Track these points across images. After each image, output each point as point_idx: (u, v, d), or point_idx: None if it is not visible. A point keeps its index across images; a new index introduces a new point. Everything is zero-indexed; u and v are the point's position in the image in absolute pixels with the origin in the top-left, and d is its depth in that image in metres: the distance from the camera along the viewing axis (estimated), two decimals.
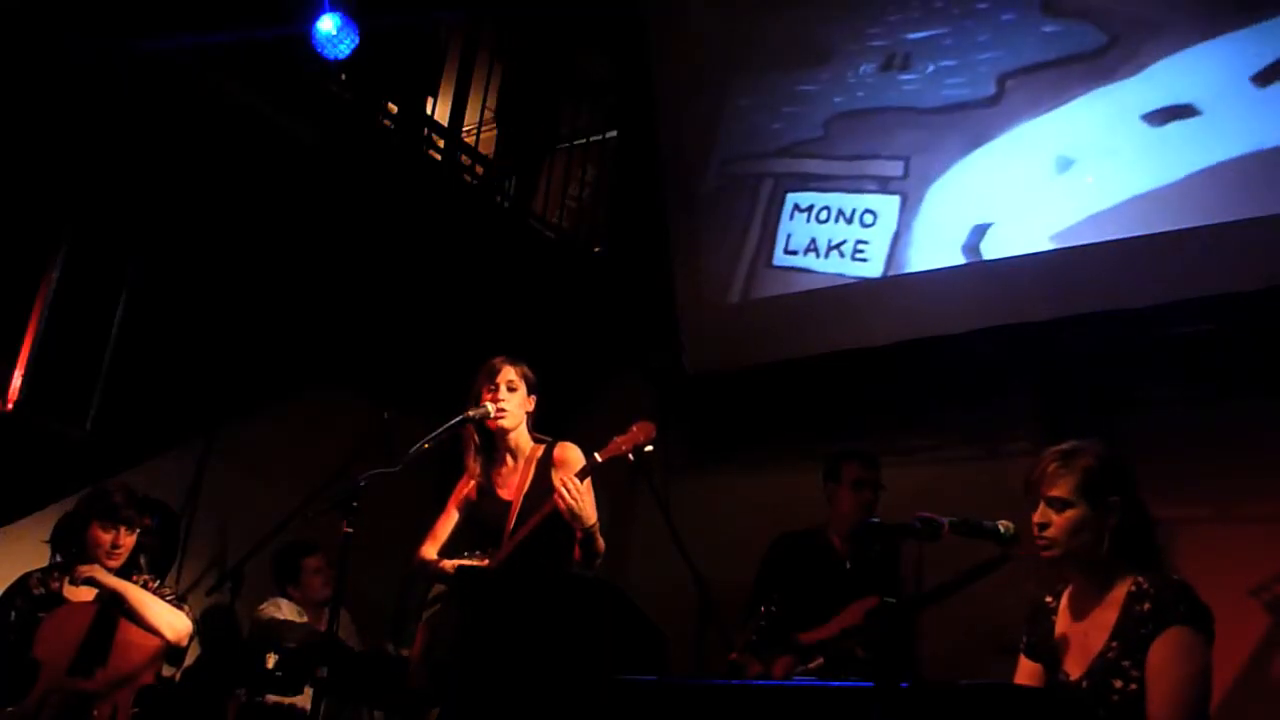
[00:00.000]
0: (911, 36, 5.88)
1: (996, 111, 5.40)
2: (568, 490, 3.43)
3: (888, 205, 5.79)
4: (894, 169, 5.84)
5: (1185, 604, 2.37)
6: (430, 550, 3.70)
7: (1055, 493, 2.50)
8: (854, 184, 5.94)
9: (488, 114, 6.56)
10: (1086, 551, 2.48)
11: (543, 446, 3.79)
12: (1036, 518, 2.52)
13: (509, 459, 3.77)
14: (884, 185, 5.82)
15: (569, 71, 6.65)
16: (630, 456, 3.54)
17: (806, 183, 6.18)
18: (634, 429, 3.58)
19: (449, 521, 3.77)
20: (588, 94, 6.86)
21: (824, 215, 6.02)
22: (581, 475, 3.49)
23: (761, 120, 6.39)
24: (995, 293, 4.95)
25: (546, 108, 6.47)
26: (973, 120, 5.49)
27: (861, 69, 6.01)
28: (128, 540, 3.82)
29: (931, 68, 5.75)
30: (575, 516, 3.45)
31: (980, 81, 5.50)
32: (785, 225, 6.19)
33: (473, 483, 3.78)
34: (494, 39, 6.38)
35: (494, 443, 3.77)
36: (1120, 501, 2.48)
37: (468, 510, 3.77)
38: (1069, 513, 2.48)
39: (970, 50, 5.67)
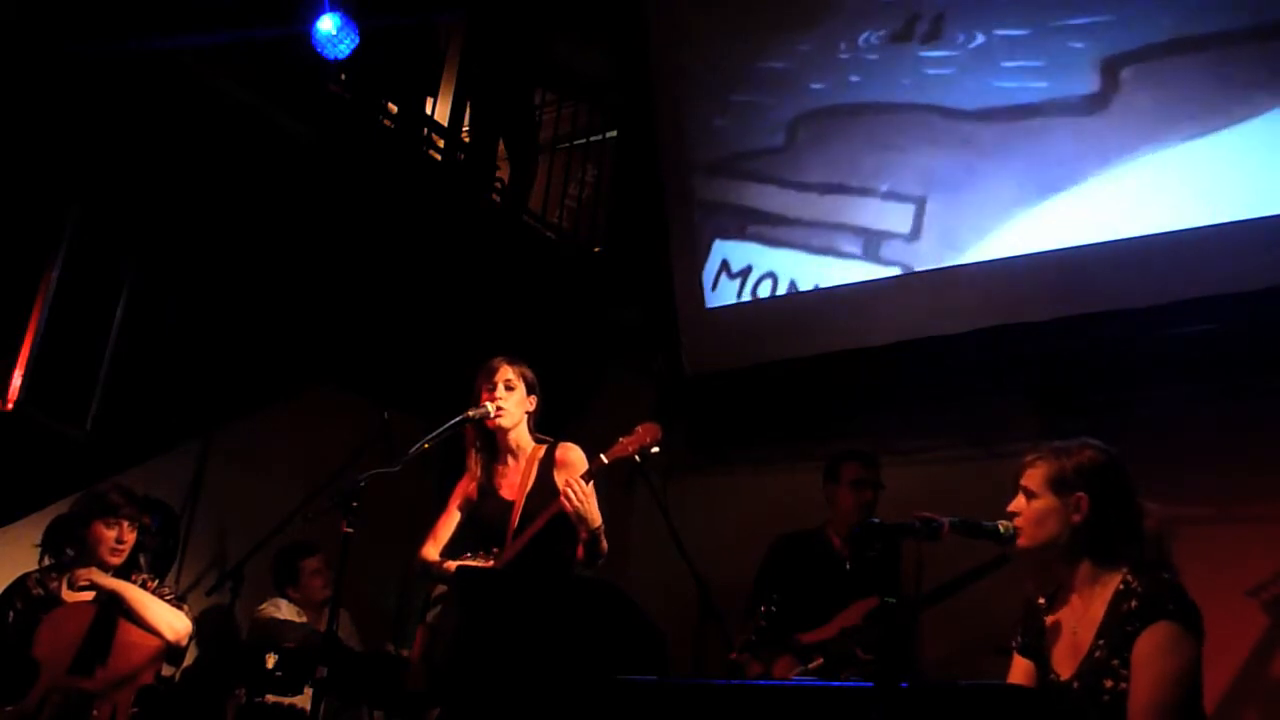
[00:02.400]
0: None
1: (1101, 124, 3.64)
2: (574, 492, 3.45)
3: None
4: (896, 218, 4.06)
5: (1173, 601, 2.38)
6: (432, 551, 3.71)
7: (1025, 482, 2.58)
8: (822, 238, 4.29)
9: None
10: (1049, 543, 2.53)
11: (544, 447, 3.79)
12: (1011, 506, 2.59)
13: (510, 458, 3.78)
14: (873, 248, 4.22)
15: (544, 58, 6.53)
16: (636, 458, 3.57)
17: (745, 226, 4.50)
18: (639, 430, 3.61)
19: (450, 521, 3.77)
20: (567, 83, 6.78)
21: (764, 288, 4.29)
22: (587, 477, 3.52)
23: (702, 111, 4.65)
24: (995, 293, 4.91)
25: (521, 96, 6.29)
26: (1054, 137, 3.73)
27: (861, 38, 4.18)
28: (130, 536, 3.84)
29: (980, 38, 3.86)
30: (581, 518, 3.48)
31: (1070, 67, 3.65)
32: (706, 296, 4.59)
33: (473, 483, 3.78)
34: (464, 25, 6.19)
35: (494, 442, 3.78)
36: (1088, 500, 2.50)
37: (469, 510, 3.78)
38: (1035, 503, 2.55)
39: (1052, 9, 3.70)
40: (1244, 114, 3.39)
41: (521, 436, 3.78)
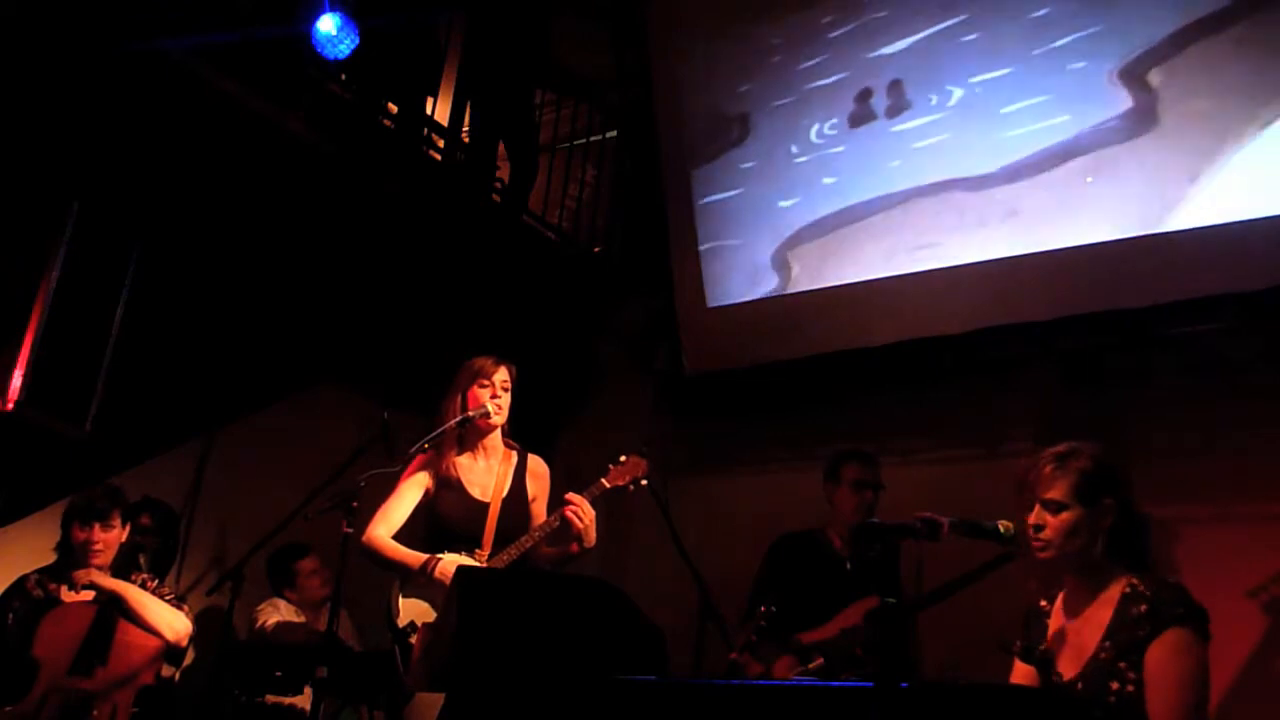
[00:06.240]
0: (888, 50, 3.61)
1: (1162, 139, 3.27)
2: (583, 513, 3.56)
3: None
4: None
5: (1183, 605, 2.39)
6: (382, 532, 3.66)
7: (1050, 495, 2.52)
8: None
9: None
10: (1080, 552, 2.50)
11: (515, 452, 3.84)
12: (1031, 519, 2.54)
13: (480, 457, 3.80)
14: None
15: (544, 58, 6.51)
16: (630, 488, 3.70)
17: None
18: (629, 461, 3.71)
19: (402, 505, 3.72)
20: (567, 83, 6.74)
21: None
22: (592, 499, 3.61)
23: (703, 111, 4.60)
24: (995, 293, 4.91)
25: (521, 96, 6.23)
26: (1116, 170, 3.30)
27: (813, 131, 3.84)
28: (105, 536, 3.78)
29: (957, 93, 3.41)
30: (582, 537, 3.58)
31: (1085, 91, 3.23)
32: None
33: (431, 472, 3.76)
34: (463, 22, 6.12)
35: (468, 439, 3.79)
36: (1114, 503, 2.49)
37: (427, 500, 3.75)
38: (1064, 515, 2.50)
39: (1025, 39, 3.33)
40: None
41: (497, 437, 3.82)
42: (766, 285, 4.21)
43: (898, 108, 3.61)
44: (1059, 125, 3.34)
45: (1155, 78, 3.23)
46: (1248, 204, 3.64)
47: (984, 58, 3.47)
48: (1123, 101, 3.24)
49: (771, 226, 3.86)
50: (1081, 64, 3.33)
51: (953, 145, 3.49)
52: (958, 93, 3.47)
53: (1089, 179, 3.58)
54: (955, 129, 3.48)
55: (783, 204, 3.82)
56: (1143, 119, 3.21)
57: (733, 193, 3.76)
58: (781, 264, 3.85)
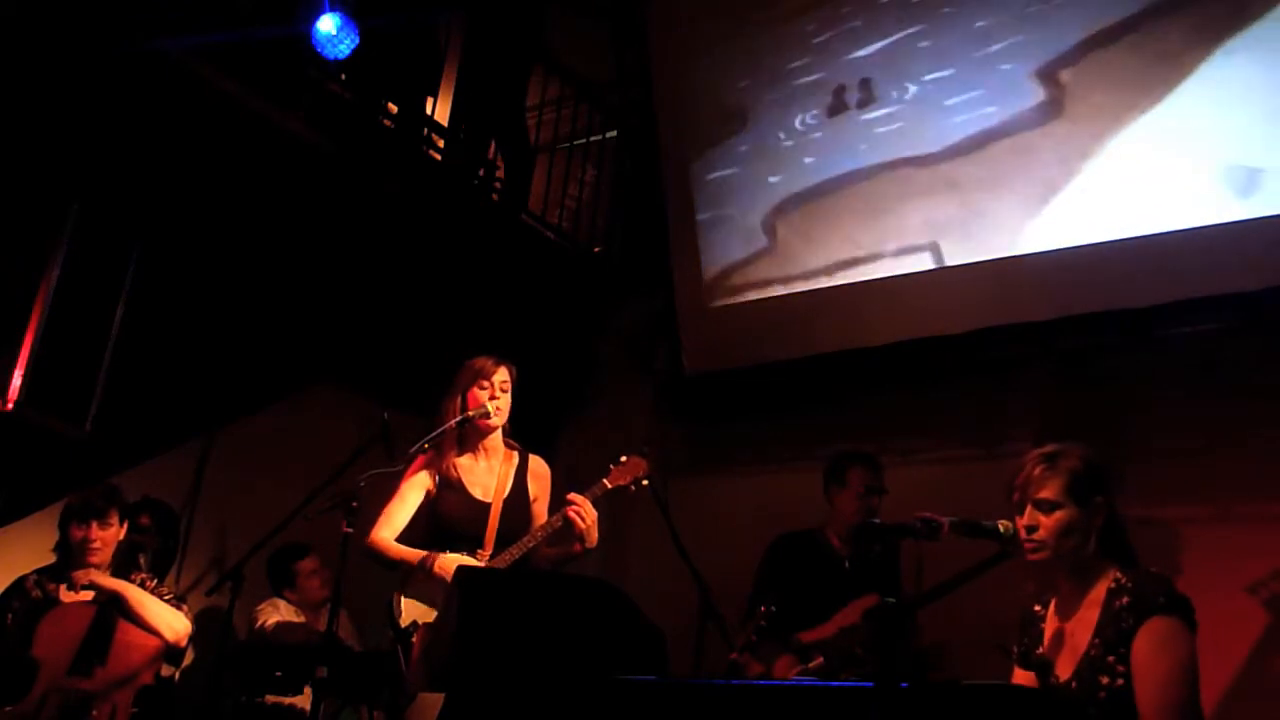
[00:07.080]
0: (860, 54, 4.47)
1: (1066, 125, 4.04)
2: (585, 513, 3.56)
3: None
4: (916, 264, 4.43)
5: (1164, 594, 2.38)
6: (385, 534, 3.67)
7: (1043, 495, 2.51)
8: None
9: None
10: (1074, 552, 2.50)
11: (516, 453, 3.84)
12: (1024, 521, 2.53)
13: (481, 457, 3.80)
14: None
15: (544, 59, 6.45)
16: (631, 488, 3.71)
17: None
18: (630, 461, 3.72)
19: (404, 507, 3.73)
20: (567, 83, 6.74)
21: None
22: (593, 499, 3.61)
23: (702, 113, 5.15)
24: (995, 293, 4.92)
25: (514, 96, 6.22)
26: (1032, 149, 4.10)
27: (796, 121, 4.63)
28: (102, 534, 3.79)
29: (913, 89, 4.32)
30: (584, 537, 3.58)
31: (1009, 87, 4.09)
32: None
33: (431, 473, 3.76)
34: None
35: (468, 439, 3.78)
36: (1105, 502, 2.50)
37: (429, 501, 3.76)
38: (1057, 514, 2.49)
39: (966, 45, 4.26)
40: (1178, 78, 3.89)
41: (497, 438, 3.82)
42: (757, 244, 4.98)
43: (866, 101, 4.40)
44: (989, 114, 4.16)
45: (1065, 76, 4.05)
46: (1135, 176, 4.24)
47: (934, 60, 4.30)
48: (1038, 95, 4.05)
49: (762, 198, 4.65)
50: (1009, 65, 4.14)
51: (907, 131, 4.29)
52: (913, 88, 4.26)
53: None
54: (909, 118, 4.29)
55: (772, 180, 4.61)
56: (1053, 109, 4.03)
57: (731, 171, 4.62)
58: (769, 228, 4.68)
